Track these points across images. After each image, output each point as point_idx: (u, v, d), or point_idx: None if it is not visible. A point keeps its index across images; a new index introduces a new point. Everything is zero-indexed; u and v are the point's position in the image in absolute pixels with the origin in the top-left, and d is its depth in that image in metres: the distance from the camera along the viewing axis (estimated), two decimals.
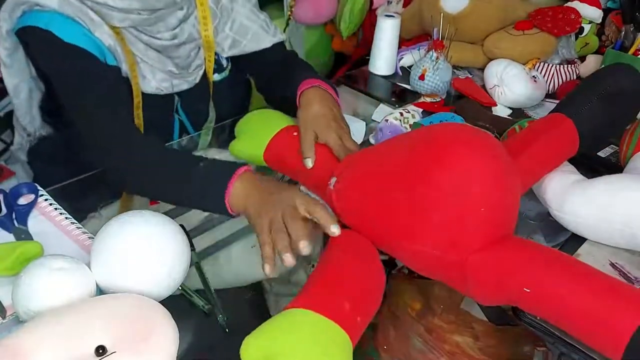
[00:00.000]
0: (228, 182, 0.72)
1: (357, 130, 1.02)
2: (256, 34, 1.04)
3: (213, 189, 0.73)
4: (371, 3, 1.63)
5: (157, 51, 0.95)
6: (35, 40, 0.88)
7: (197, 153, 1.02)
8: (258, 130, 0.90)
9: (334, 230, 0.66)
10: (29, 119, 1.05)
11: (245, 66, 1.10)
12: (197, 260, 0.73)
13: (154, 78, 0.96)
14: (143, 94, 0.96)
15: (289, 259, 0.64)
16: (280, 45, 1.07)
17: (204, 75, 1.04)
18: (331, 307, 0.56)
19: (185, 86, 1.01)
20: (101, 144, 0.84)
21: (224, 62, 1.08)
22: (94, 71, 0.87)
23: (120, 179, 0.85)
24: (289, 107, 0.93)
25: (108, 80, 0.88)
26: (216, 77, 1.07)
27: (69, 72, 0.86)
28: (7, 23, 0.91)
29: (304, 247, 0.64)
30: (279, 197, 0.69)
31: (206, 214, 0.88)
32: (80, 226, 0.78)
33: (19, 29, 0.89)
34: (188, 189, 0.76)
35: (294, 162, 0.83)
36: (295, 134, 0.85)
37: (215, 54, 1.04)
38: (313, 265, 0.94)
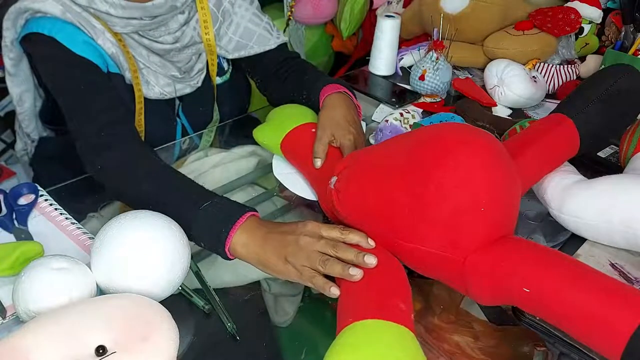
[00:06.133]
0: (229, 232, 0.68)
1: None
2: (261, 36, 1.04)
3: (214, 237, 0.69)
4: (371, 3, 1.64)
5: (159, 56, 0.95)
6: (38, 47, 0.88)
7: (199, 152, 1.02)
8: (283, 120, 0.93)
9: (372, 243, 0.66)
10: (33, 127, 1.05)
11: (248, 68, 1.10)
12: (196, 269, 0.73)
13: (157, 84, 0.96)
14: (146, 99, 0.96)
15: (358, 273, 0.62)
16: (283, 46, 1.07)
17: (206, 78, 1.05)
18: (394, 311, 0.57)
19: (187, 90, 1.01)
20: (101, 164, 0.79)
21: (225, 66, 1.09)
22: (95, 82, 0.87)
23: (117, 198, 0.84)
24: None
25: (109, 92, 0.87)
26: (217, 80, 1.07)
27: (70, 82, 0.86)
28: (11, 33, 0.91)
29: (372, 259, 0.63)
30: (295, 236, 0.66)
31: None
32: (80, 226, 0.78)
33: (23, 37, 0.89)
34: (187, 228, 0.70)
35: (304, 156, 0.85)
36: (313, 130, 0.88)
37: (217, 57, 1.04)
38: None
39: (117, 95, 0.88)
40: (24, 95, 1.00)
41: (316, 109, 0.93)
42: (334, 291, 0.62)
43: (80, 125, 0.83)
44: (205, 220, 0.70)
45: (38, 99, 1.03)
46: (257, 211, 0.71)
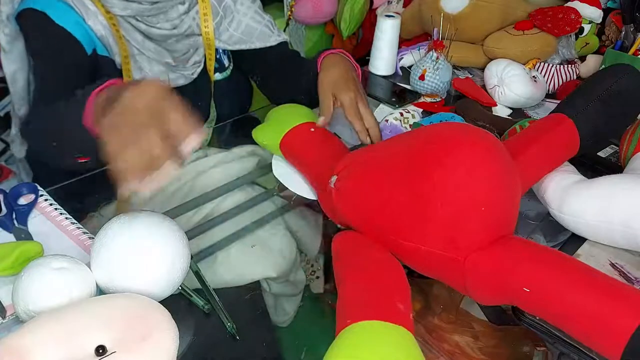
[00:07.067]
0: (86, 101, 0.65)
1: None
2: (262, 32, 1.05)
3: (79, 115, 0.67)
4: (371, 3, 1.64)
5: (155, 42, 0.95)
6: (29, 21, 0.89)
7: (198, 152, 1.01)
8: (282, 120, 0.93)
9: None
10: (26, 109, 1.05)
11: (249, 65, 1.10)
12: (196, 269, 0.73)
13: (151, 70, 0.96)
14: None
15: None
16: (284, 44, 1.08)
17: (204, 73, 1.04)
18: (393, 312, 0.57)
19: (182, 81, 1.01)
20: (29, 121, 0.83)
21: (226, 62, 1.08)
22: (74, 61, 0.88)
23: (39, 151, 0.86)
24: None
25: (85, 73, 0.89)
26: (217, 76, 1.07)
27: (50, 54, 0.87)
28: (7, 7, 0.92)
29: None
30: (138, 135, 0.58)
31: (204, 214, 0.88)
32: (80, 226, 0.78)
33: (19, 14, 0.90)
34: (64, 122, 0.68)
35: (303, 155, 0.86)
36: (312, 130, 0.88)
37: (217, 53, 1.04)
38: (312, 265, 0.94)
39: (91, 80, 0.88)
40: (17, 74, 1.00)
41: (316, 80, 0.93)
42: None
43: (38, 92, 0.86)
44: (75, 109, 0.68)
45: (32, 83, 1.03)
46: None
